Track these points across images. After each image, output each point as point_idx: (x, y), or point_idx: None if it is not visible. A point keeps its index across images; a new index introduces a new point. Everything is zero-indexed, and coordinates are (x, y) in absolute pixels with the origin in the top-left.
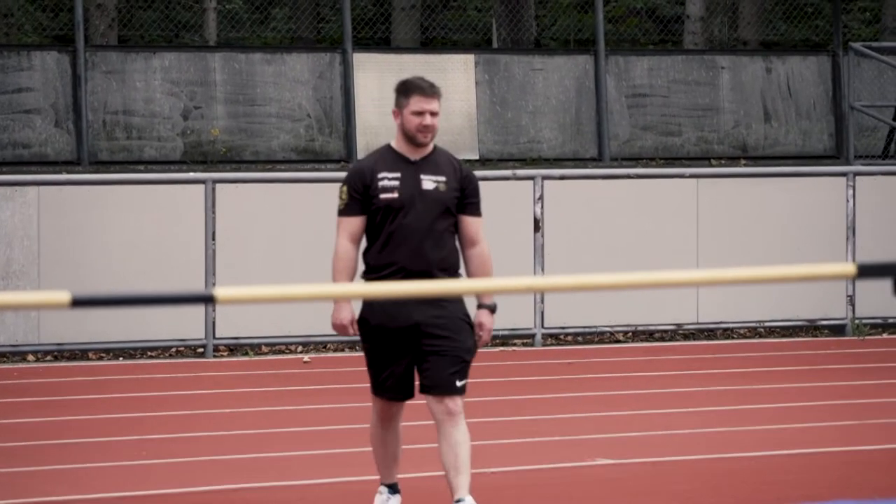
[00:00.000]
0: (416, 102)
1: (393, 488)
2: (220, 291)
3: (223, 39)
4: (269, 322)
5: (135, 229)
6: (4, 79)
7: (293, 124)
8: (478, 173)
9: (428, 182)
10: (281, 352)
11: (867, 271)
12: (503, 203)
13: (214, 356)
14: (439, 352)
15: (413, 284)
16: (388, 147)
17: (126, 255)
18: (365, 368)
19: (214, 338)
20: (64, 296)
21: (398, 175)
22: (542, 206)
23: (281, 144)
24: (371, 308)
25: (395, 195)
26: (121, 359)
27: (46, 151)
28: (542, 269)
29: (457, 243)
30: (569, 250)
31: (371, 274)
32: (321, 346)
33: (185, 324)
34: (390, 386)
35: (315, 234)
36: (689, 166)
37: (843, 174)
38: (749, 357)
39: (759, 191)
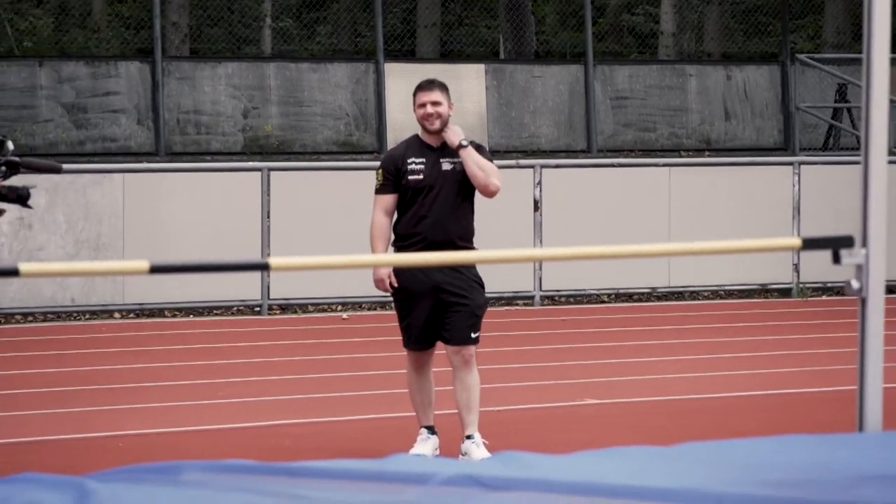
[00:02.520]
0: (418, 97)
1: (431, 430)
2: (273, 260)
3: (276, 51)
4: (313, 285)
5: (203, 209)
6: (96, 84)
7: (334, 122)
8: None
9: (447, 164)
10: (323, 310)
11: (810, 244)
12: (508, 187)
13: (269, 314)
14: (456, 308)
15: (431, 255)
16: (416, 137)
17: (195, 231)
18: (396, 325)
19: (269, 299)
20: (143, 264)
21: (423, 160)
22: (541, 190)
23: (324, 139)
24: (399, 272)
25: (421, 177)
26: (191, 316)
27: (130, 145)
28: (541, 243)
29: (473, 217)
30: (563, 227)
31: (400, 242)
32: (357, 305)
33: (245, 287)
34: (417, 337)
35: (351, 213)
36: (662, 157)
37: (790, 164)
38: (712, 315)
39: (720, 177)
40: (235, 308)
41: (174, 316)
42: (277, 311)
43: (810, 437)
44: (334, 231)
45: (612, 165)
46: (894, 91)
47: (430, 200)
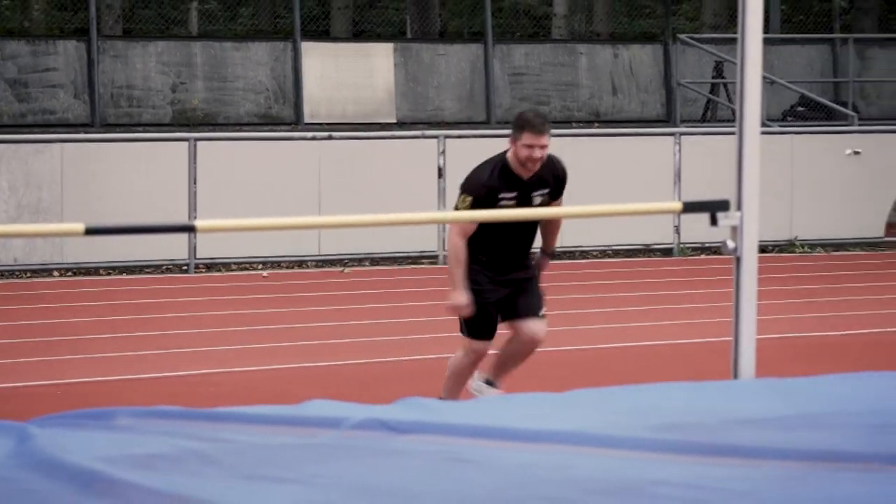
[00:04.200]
0: (527, 138)
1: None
2: (199, 223)
3: (202, 31)
4: (236, 246)
5: (135, 177)
6: (36, 61)
7: (255, 96)
8: (395, 134)
9: (537, 197)
10: (245, 269)
11: (690, 207)
12: (415, 156)
13: (196, 272)
14: (529, 293)
15: (367, 217)
16: (505, 165)
17: (128, 196)
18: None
19: (196, 258)
20: (79, 226)
21: (515, 195)
22: (445, 159)
23: (246, 111)
24: (483, 280)
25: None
26: (124, 274)
27: (68, 117)
28: (444, 207)
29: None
30: None
31: (481, 259)
32: (276, 264)
33: (174, 248)
34: (490, 329)
35: (271, 180)
36: (556, 128)
37: (672, 134)
38: (599, 272)
39: (608, 147)
40: (165, 267)
41: (108, 274)
42: (203, 270)
43: (688, 384)
44: (255, 196)
45: (509, 136)
46: (766, 68)
47: (515, 232)
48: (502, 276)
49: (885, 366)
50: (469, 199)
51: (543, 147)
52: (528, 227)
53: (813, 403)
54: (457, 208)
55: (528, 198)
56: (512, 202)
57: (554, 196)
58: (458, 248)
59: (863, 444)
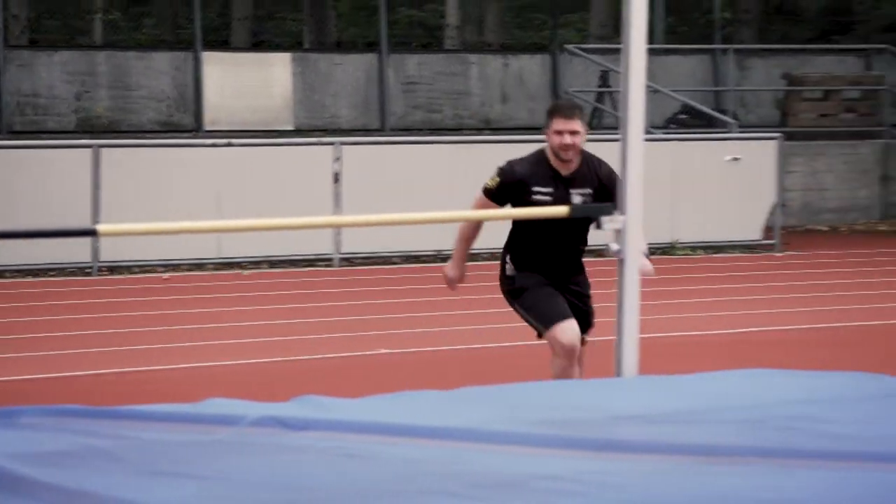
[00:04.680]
0: (556, 123)
1: None
2: (101, 227)
3: (106, 41)
4: (138, 249)
5: (40, 182)
6: None
7: (157, 104)
8: (293, 140)
9: (576, 196)
10: (147, 271)
11: (576, 211)
12: (312, 162)
13: (98, 275)
14: (578, 313)
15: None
16: (544, 158)
17: (34, 201)
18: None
19: (98, 261)
20: None
21: (551, 190)
22: (341, 164)
23: (148, 119)
24: (525, 273)
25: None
26: (29, 277)
27: None
28: (340, 211)
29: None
30: (360, 197)
31: (519, 266)
32: (176, 267)
33: (78, 251)
34: (557, 305)
35: (172, 185)
36: (448, 135)
37: None
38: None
39: (499, 153)
40: (69, 270)
41: (13, 277)
42: (106, 273)
43: (574, 381)
44: (157, 200)
45: (403, 143)
46: (649, 77)
47: (554, 235)
48: (557, 283)
49: (759, 363)
50: (497, 180)
51: (574, 133)
52: (569, 227)
53: (691, 400)
54: (485, 185)
55: (567, 196)
56: (547, 199)
57: (602, 200)
58: (463, 225)
59: (737, 438)
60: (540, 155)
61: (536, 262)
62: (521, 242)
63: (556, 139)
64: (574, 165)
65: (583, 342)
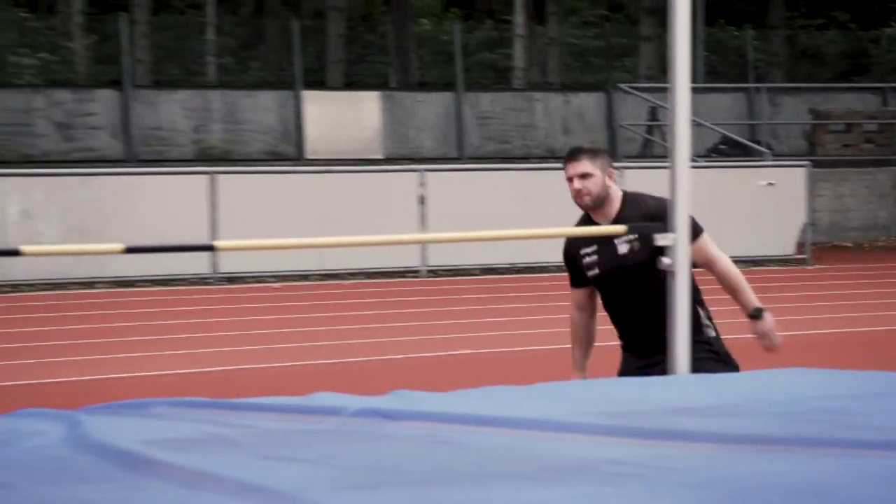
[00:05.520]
0: (566, 171)
1: None
2: (218, 243)
3: (219, 82)
4: (251, 262)
5: (164, 204)
6: (79, 107)
7: (264, 136)
8: (382, 168)
9: (622, 245)
10: (259, 281)
11: (632, 230)
12: (399, 186)
13: (217, 285)
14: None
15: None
16: (586, 215)
17: (158, 221)
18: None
19: (217, 273)
20: (119, 246)
21: (595, 248)
22: (425, 189)
23: (256, 149)
24: (625, 370)
25: (598, 271)
26: (157, 287)
27: (106, 154)
28: (425, 229)
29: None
30: (442, 217)
31: (622, 343)
32: (284, 277)
33: (198, 264)
34: None
35: (277, 207)
36: (517, 163)
37: (614, 168)
38: (554, 284)
39: (562, 179)
40: (191, 280)
41: (144, 286)
42: (224, 283)
43: (632, 379)
44: (265, 220)
45: (479, 170)
46: (693, 112)
47: (618, 297)
48: (644, 360)
49: (797, 363)
50: (564, 260)
51: (585, 176)
52: (637, 280)
53: (737, 395)
54: None
55: (612, 247)
56: (594, 258)
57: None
58: (571, 322)
59: (777, 429)
60: (584, 213)
61: (623, 337)
62: (609, 313)
63: (570, 187)
64: (612, 211)
65: None
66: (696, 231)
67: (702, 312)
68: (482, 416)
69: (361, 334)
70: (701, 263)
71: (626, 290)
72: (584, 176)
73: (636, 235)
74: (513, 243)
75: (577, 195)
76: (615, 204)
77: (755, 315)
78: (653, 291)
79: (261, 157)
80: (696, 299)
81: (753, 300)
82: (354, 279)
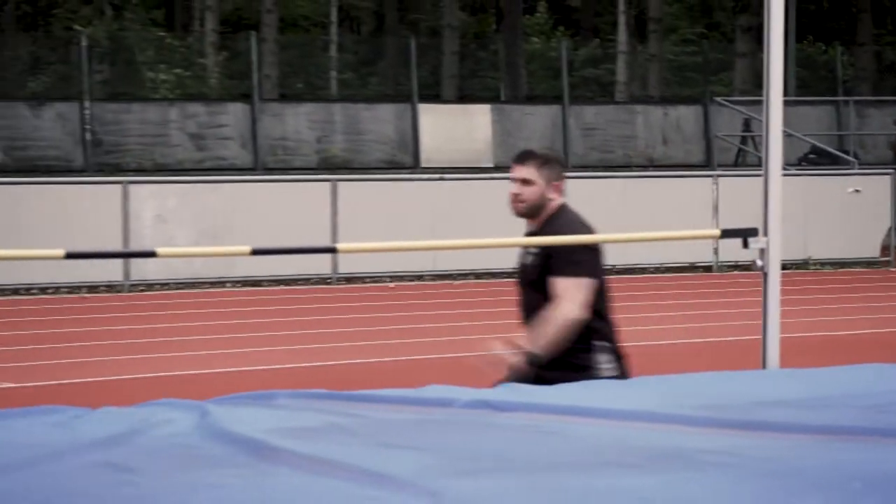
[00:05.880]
0: (511, 171)
1: None
2: (339, 245)
3: (341, 95)
4: (369, 263)
5: (289, 210)
6: (211, 119)
7: (382, 146)
8: (493, 176)
9: (528, 257)
10: (376, 281)
11: (726, 234)
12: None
13: (337, 284)
14: None
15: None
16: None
17: (284, 225)
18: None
19: (337, 273)
20: (246, 248)
21: (523, 253)
22: None
23: (375, 158)
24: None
25: (517, 272)
26: (281, 286)
27: (236, 163)
28: None
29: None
30: None
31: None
32: (399, 278)
33: (320, 264)
34: None
35: (395, 212)
36: (619, 171)
37: (710, 176)
38: (657, 283)
39: (660, 186)
40: (313, 280)
41: (270, 285)
42: (344, 282)
43: (725, 373)
44: (383, 224)
45: (584, 177)
46: (785, 124)
47: (520, 303)
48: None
49: (882, 359)
50: None
51: (525, 182)
52: (528, 293)
53: (824, 388)
54: None
55: (523, 258)
56: (519, 266)
57: (549, 266)
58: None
59: (861, 421)
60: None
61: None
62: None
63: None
64: (540, 223)
65: None
66: (579, 271)
67: (601, 357)
68: (584, 408)
69: (472, 330)
70: (549, 296)
71: (522, 296)
72: (524, 181)
73: (538, 250)
74: (609, 246)
75: (513, 199)
76: (545, 216)
77: (531, 360)
78: (533, 308)
79: (379, 166)
80: (588, 341)
81: (536, 347)
82: (465, 279)
